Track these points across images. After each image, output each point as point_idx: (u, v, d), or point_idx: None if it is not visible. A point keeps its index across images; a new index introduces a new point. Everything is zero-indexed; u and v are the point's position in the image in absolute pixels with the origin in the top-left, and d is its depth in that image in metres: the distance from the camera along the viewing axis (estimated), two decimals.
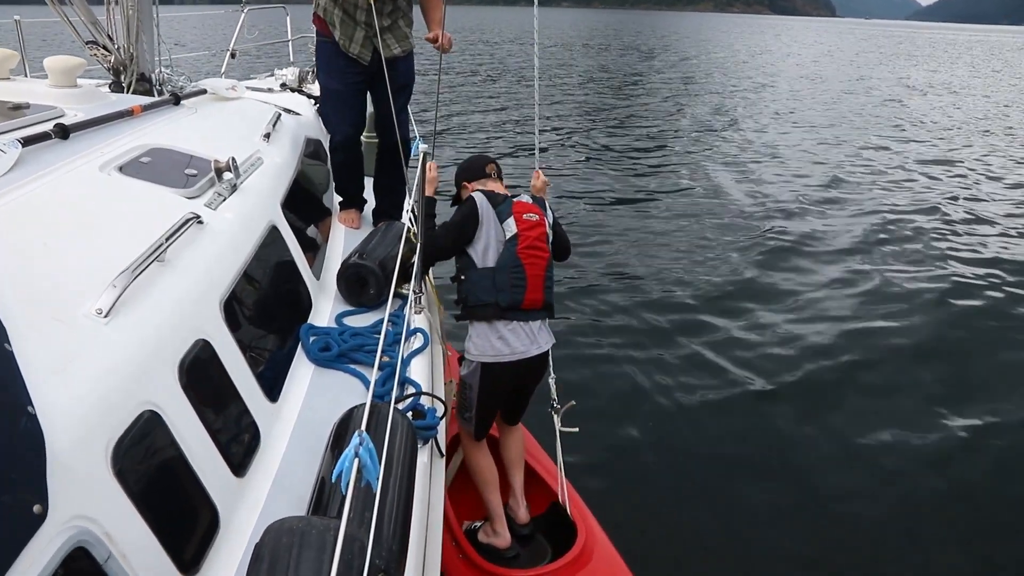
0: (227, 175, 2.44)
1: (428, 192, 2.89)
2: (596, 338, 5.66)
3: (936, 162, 13.15)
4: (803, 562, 3.53)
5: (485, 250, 2.73)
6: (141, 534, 1.35)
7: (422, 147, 2.82)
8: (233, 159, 2.47)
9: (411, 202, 3.93)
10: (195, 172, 2.41)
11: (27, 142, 2.11)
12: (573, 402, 3.20)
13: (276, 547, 1.26)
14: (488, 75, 24.26)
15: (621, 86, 23.69)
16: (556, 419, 3.19)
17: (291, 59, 6.77)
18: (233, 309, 1.99)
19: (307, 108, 4.78)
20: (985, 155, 14.05)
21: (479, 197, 2.79)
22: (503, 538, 2.88)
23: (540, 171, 3.19)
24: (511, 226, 2.75)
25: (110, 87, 3.49)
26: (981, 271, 7.43)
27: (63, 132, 2.28)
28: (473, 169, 3.09)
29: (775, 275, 7.18)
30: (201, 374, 1.72)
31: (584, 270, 7.03)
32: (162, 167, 2.37)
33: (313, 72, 6.30)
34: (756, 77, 28.94)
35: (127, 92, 3.45)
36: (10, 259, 1.55)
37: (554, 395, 3.24)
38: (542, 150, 12.36)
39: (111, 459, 1.33)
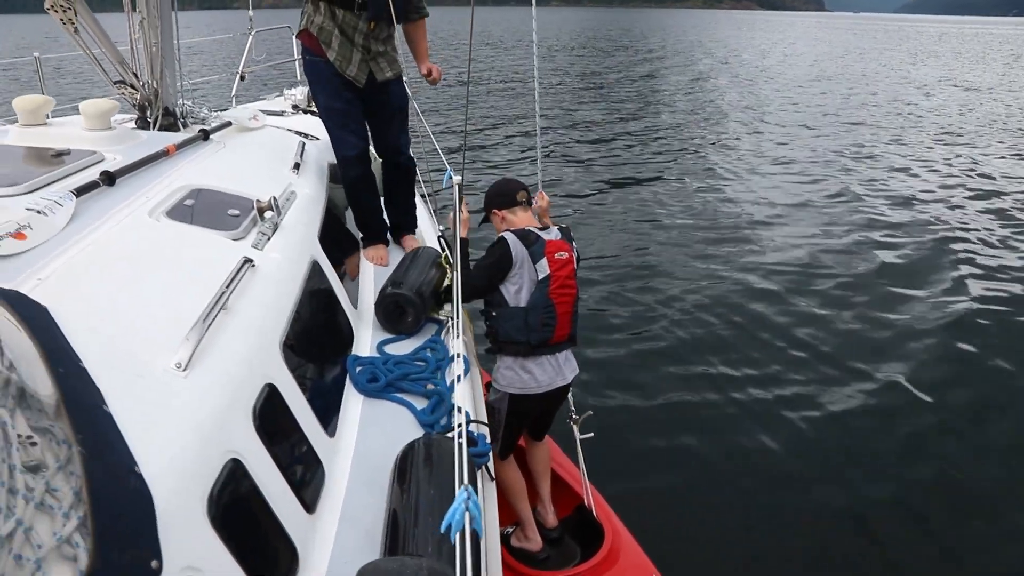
0: (268, 214, 2.50)
1: (462, 233, 2.97)
2: (612, 349, 5.74)
3: (930, 158, 13.29)
4: (825, 563, 3.63)
5: (518, 291, 2.85)
6: None
7: (455, 179, 2.88)
8: (274, 198, 2.53)
9: (439, 228, 4.00)
10: (237, 212, 2.46)
11: (79, 192, 2.17)
12: (590, 412, 3.43)
13: None
14: (484, 81, 24.28)
15: (617, 88, 23.77)
16: (575, 428, 3.39)
17: (299, 78, 6.85)
18: (290, 350, 2.05)
19: (322, 131, 4.85)
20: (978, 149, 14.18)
21: (512, 240, 2.88)
22: (534, 542, 3.06)
23: (544, 192, 3.30)
24: (544, 267, 2.85)
25: (136, 123, 3.55)
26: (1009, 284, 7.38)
27: (110, 179, 2.34)
28: (505, 196, 3.17)
29: (790, 280, 7.30)
30: (271, 418, 1.77)
31: (598, 280, 7.13)
32: (205, 209, 2.43)
33: None
34: (749, 75, 29.09)
35: (153, 127, 3.51)
36: (86, 315, 1.60)
37: (572, 406, 3.45)
38: (545, 155, 12.44)
39: (207, 509, 1.38)
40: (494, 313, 2.91)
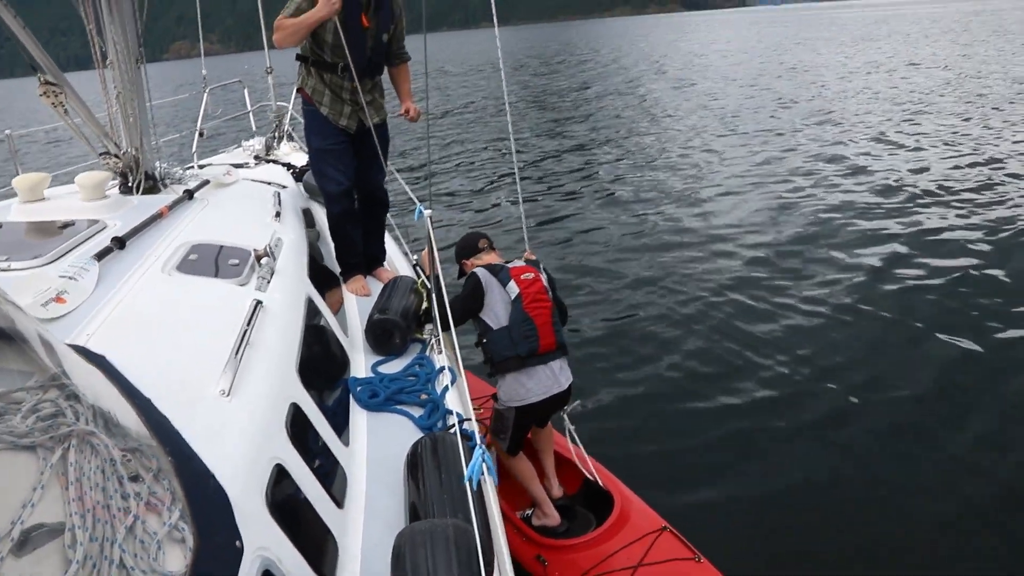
0: (265, 260, 2.82)
1: (435, 267, 3.34)
2: (602, 345, 6.19)
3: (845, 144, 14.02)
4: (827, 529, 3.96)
5: (497, 314, 3.25)
6: (296, 559, 1.73)
7: (426, 212, 3.24)
8: (268, 246, 2.86)
9: (412, 257, 4.35)
10: (237, 261, 2.77)
11: (99, 257, 2.48)
12: (578, 402, 3.77)
13: (413, 544, 1.66)
14: (443, 111, 24.45)
15: (574, 104, 24.04)
16: (566, 419, 3.75)
17: (253, 129, 7.15)
18: (305, 374, 2.37)
19: (287, 178, 5.17)
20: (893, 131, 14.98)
21: (481, 272, 3.34)
22: (553, 518, 3.43)
23: (531, 250, 3.78)
24: (513, 288, 3.28)
25: (120, 188, 3.83)
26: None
27: (120, 244, 2.64)
28: (468, 247, 3.72)
29: (746, 266, 7.77)
30: (300, 430, 2.10)
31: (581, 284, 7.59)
32: (208, 261, 2.74)
33: (277, 138, 6.69)
34: (677, 78, 29.91)
35: (137, 192, 3.79)
36: (135, 360, 1.91)
37: None
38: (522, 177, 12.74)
39: (267, 502, 1.70)
40: (484, 340, 3.32)
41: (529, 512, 3.53)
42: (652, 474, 4.25)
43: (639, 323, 6.50)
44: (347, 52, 3.66)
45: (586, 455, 3.70)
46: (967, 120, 15.32)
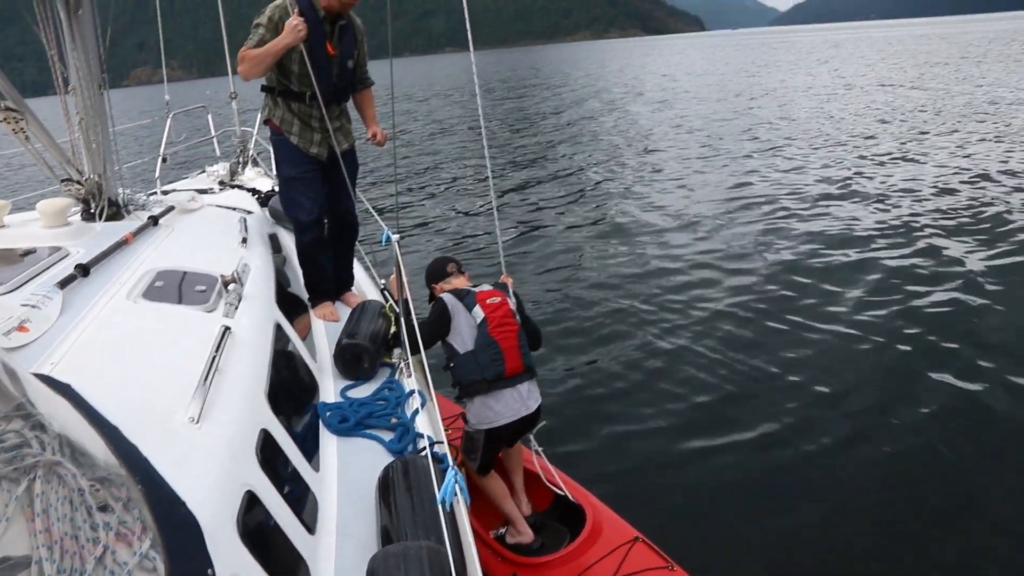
0: (232, 286, 2.80)
1: (403, 292, 3.38)
2: (571, 360, 6.25)
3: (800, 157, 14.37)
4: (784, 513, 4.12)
5: (463, 338, 3.28)
6: None
7: (394, 237, 3.25)
8: (236, 272, 2.84)
9: (380, 282, 4.35)
10: (204, 287, 2.75)
11: (62, 285, 2.45)
12: (544, 422, 3.70)
13: (387, 568, 1.65)
14: (411, 135, 24.45)
15: (544, 127, 24.24)
16: (532, 440, 3.76)
17: (218, 154, 7.11)
18: (274, 400, 2.36)
19: (253, 204, 5.15)
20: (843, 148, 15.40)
21: (447, 297, 3.37)
22: (527, 535, 3.43)
23: (507, 274, 3.81)
24: (479, 312, 3.32)
25: (82, 215, 3.78)
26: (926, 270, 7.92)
27: (84, 271, 2.61)
28: (437, 271, 3.73)
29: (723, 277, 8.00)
30: (270, 457, 2.08)
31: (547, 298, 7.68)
32: (175, 288, 2.72)
33: (241, 164, 6.66)
34: (675, 99, 30.34)
35: (100, 218, 3.75)
36: (101, 388, 1.89)
37: None
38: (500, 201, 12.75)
39: (238, 530, 1.69)
40: (452, 364, 3.34)
41: (503, 531, 3.53)
42: (622, 486, 4.32)
43: (609, 342, 6.57)
44: (313, 81, 3.67)
45: (556, 470, 3.72)
46: (932, 134, 16.11)
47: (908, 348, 6.00)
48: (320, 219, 4.07)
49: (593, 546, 3.21)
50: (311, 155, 3.94)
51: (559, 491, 3.60)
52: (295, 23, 3.53)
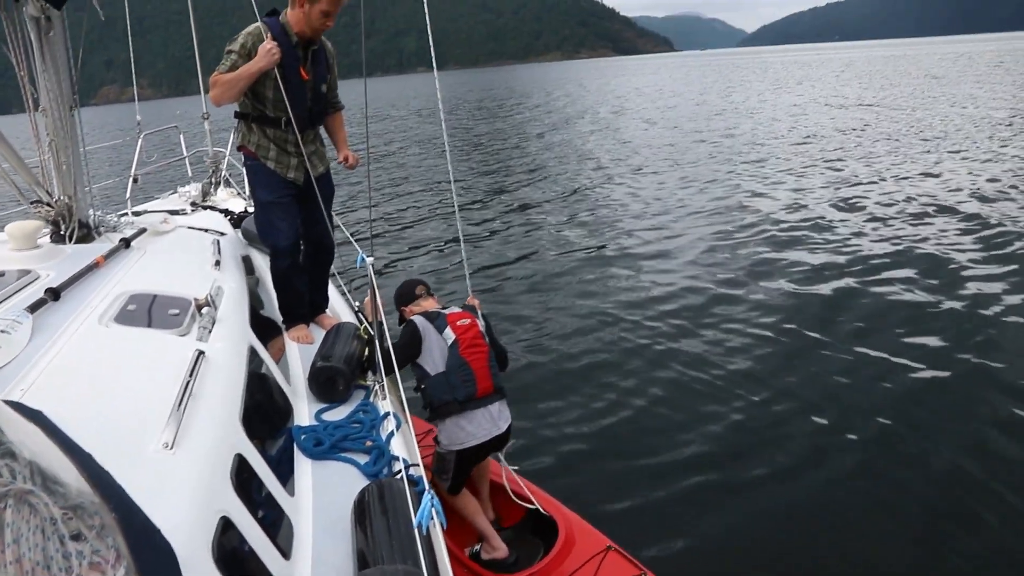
0: (206, 309, 2.78)
1: (378, 314, 3.41)
2: (539, 374, 6.35)
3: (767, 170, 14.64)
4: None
5: (434, 360, 3.35)
6: None
7: (368, 260, 3.26)
8: (209, 296, 2.83)
9: (354, 304, 4.34)
10: (177, 311, 2.73)
11: (32, 309, 2.41)
12: (513, 441, 3.76)
13: None
14: (384, 156, 24.39)
15: (498, 149, 24.36)
16: (501, 457, 3.77)
17: (189, 175, 7.06)
18: (249, 425, 2.34)
19: (226, 225, 5.11)
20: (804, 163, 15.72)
21: (418, 319, 3.44)
22: (501, 550, 3.46)
23: (473, 295, 3.86)
24: (449, 334, 3.39)
25: (51, 237, 3.74)
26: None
27: (55, 295, 2.58)
28: (406, 294, 3.82)
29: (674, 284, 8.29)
30: (245, 482, 2.07)
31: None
32: (148, 311, 2.69)
33: (214, 184, 6.62)
34: (654, 118, 30.71)
35: (70, 241, 3.70)
36: (73, 414, 1.87)
37: None
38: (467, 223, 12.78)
39: (213, 556, 1.67)
40: (423, 386, 3.40)
41: (477, 547, 3.55)
42: (593, 496, 4.40)
43: (578, 359, 6.65)
44: (288, 106, 3.66)
45: (526, 483, 3.74)
46: (900, 150, 16.72)
47: (876, 370, 6.12)
48: (298, 244, 4.06)
49: (567, 557, 3.26)
50: (288, 179, 3.93)
51: (530, 505, 3.63)
52: (269, 47, 3.54)
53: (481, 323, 3.58)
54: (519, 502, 3.68)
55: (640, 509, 4.34)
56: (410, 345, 3.39)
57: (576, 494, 4.28)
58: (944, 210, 11.12)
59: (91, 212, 3.95)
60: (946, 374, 5.86)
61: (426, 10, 3.35)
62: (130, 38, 7.00)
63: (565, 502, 3.73)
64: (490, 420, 3.38)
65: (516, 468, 3.81)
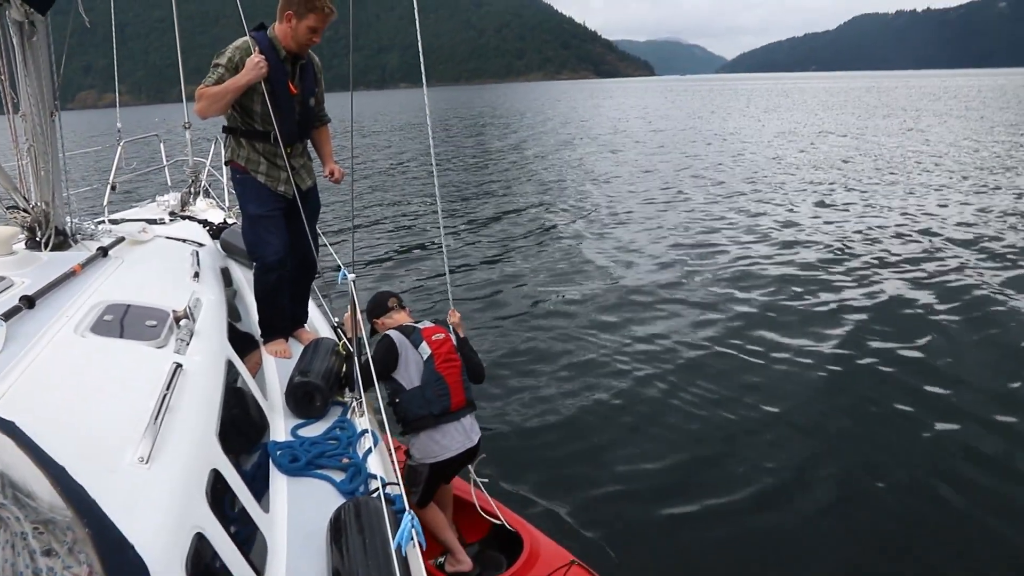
0: (184, 321, 2.75)
1: (358, 330, 3.41)
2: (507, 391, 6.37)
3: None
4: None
5: (410, 374, 3.37)
6: None
7: (350, 276, 3.25)
8: (188, 307, 2.80)
9: (333, 320, 4.31)
10: (155, 322, 2.70)
11: (6, 317, 2.37)
12: (483, 455, 3.78)
13: None
14: (368, 171, 24.33)
15: (481, 166, 24.43)
16: (471, 471, 3.80)
17: (168, 183, 6.99)
18: (224, 439, 2.31)
19: (204, 236, 5.07)
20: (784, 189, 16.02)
21: (394, 334, 3.46)
22: (465, 563, 3.49)
23: (454, 310, 3.83)
24: (425, 349, 3.43)
25: (26, 244, 3.67)
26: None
27: (30, 303, 2.54)
28: (378, 306, 3.84)
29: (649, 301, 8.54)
30: (220, 497, 2.04)
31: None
32: (124, 322, 2.66)
33: (193, 194, 6.56)
34: (599, 138, 31.12)
35: (46, 248, 3.65)
36: (47, 426, 1.83)
37: None
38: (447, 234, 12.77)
39: (187, 572, 1.64)
40: (397, 400, 3.40)
41: (442, 559, 3.57)
42: (557, 512, 4.46)
43: (544, 374, 6.72)
44: (275, 121, 3.65)
45: (492, 499, 3.75)
46: (881, 182, 17.20)
47: (849, 384, 6.33)
48: (287, 258, 4.02)
49: (531, 571, 3.28)
50: (278, 193, 3.90)
51: (495, 520, 3.64)
52: (256, 60, 3.53)
53: (454, 337, 3.63)
54: (485, 516, 3.70)
55: (602, 524, 4.39)
56: (385, 359, 3.40)
57: (539, 507, 4.41)
58: (917, 236, 11.55)
59: (68, 219, 3.90)
60: (921, 395, 6.03)
61: (418, 27, 3.36)
62: (115, 44, 6.94)
63: (528, 518, 3.78)
64: (463, 433, 3.43)
65: (485, 481, 3.82)
